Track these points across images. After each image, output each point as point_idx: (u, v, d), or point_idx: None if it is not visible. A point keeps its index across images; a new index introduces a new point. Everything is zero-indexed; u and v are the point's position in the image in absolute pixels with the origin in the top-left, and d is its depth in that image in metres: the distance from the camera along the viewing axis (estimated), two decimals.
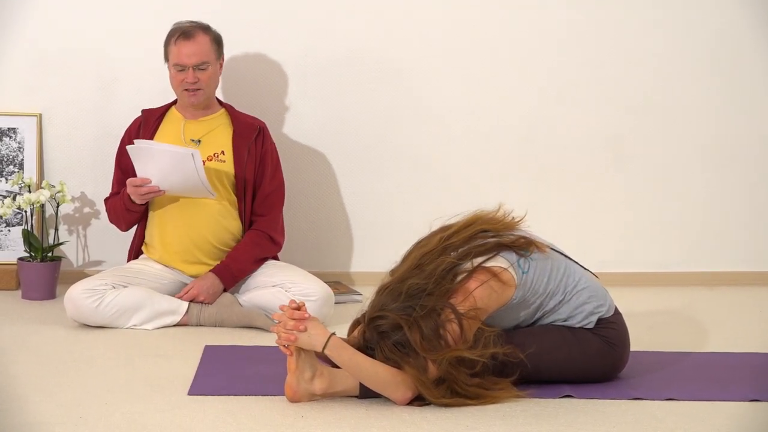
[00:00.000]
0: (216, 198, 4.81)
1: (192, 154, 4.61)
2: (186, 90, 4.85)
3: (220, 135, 4.92)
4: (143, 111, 5.01)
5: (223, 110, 4.99)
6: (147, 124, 4.94)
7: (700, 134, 5.69)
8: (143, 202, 4.81)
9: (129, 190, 4.75)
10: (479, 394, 3.65)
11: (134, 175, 4.81)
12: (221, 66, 4.96)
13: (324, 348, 3.58)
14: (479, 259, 3.70)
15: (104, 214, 5.09)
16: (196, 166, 4.62)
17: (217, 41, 4.92)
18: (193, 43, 4.82)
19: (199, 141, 4.89)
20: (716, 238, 5.76)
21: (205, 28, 4.88)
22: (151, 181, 4.69)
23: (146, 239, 4.95)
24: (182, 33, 4.83)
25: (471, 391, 3.64)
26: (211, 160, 4.86)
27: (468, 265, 3.69)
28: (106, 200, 5.00)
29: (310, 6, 5.49)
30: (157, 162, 4.65)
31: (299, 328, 3.58)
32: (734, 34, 5.63)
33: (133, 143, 4.71)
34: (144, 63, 5.40)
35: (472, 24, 5.56)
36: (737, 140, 5.71)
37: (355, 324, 3.82)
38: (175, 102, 5.00)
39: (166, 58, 4.90)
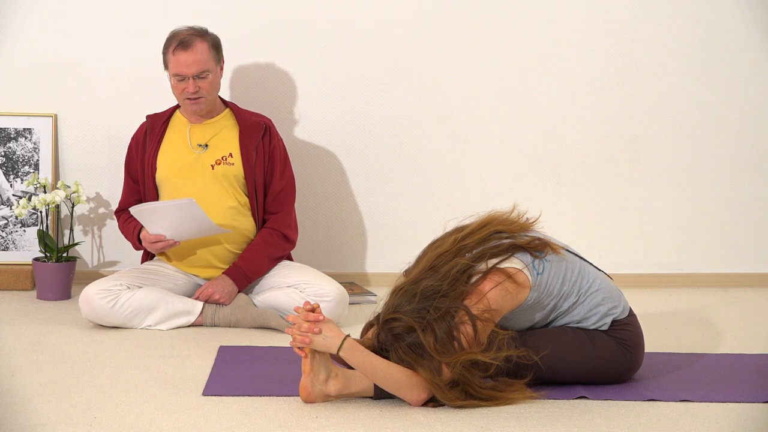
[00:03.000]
0: (227, 207, 4.83)
1: (193, 202, 4.62)
2: (188, 99, 4.83)
3: (226, 137, 4.91)
4: (148, 117, 4.99)
5: (227, 110, 4.97)
6: (153, 131, 4.93)
7: (716, 136, 5.68)
8: (159, 253, 4.86)
9: (144, 244, 4.78)
10: (493, 396, 3.65)
11: (143, 186, 4.88)
12: (222, 69, 4.91)
13: (339, 350, 3.58)
14: (494, 261, 3.70)
15: None
16: (202, 212, 4.65)
17: (216, 46, 4.85)
18: (192, 53, 4.76)
19: (206, 146, 4.89)
20: (731, 240, 5.75)
21: (203, 34, 4.81)
22: (165, 237, 4.72)
23: None
24: (180, 42, 4.77)
25: (485, 394, 3.64)
26: (219, 164, 4.86)
27: (482, 267, 3.68)
28: (118, 215, 5.00)
29: (325, 7, 5.49)
30: (165, 217, 4.66)
31: (314, 330, 3.59)
32: (755, 38, 5.61)
33: (137, 207, 4.73)
34: (158, 64, 5.40)
35: (487, 25, 5.55)
36: (753, 142, 5.69)
37: (369, 326, 3.82)
38: (179, 105, 4.99)
39: (166, 67, 4.85)
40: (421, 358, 3.57)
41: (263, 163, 4.90)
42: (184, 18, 5.19)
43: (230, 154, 4.88)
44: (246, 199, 4.90)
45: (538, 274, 3.74)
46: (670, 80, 5.64)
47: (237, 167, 4.87)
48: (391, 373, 3.60)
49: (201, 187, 4.83)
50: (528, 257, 3.75)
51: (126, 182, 4.99)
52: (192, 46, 4.77)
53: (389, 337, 3.62)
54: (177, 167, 4.86)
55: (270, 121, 4.99)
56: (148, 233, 4.74)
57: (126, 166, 5.00)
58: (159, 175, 4.88)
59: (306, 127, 5.55)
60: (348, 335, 3.60)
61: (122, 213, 4.97)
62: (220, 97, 4.98)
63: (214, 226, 4.70)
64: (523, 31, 5.57)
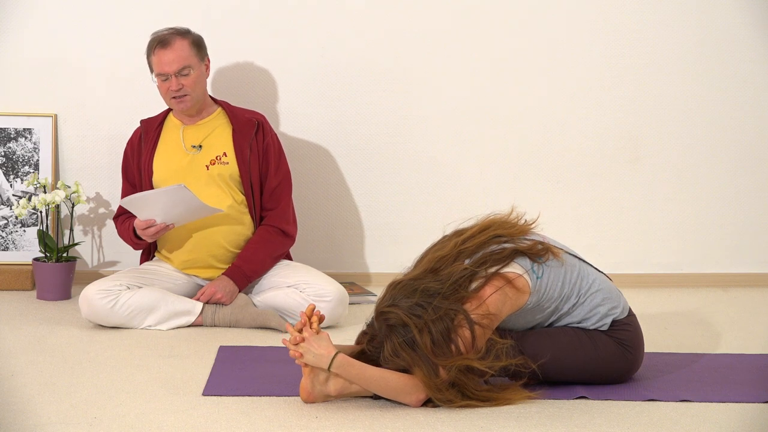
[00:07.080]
0: (225, 207, 4.81)
1: (182, 187, 4.61)
2: (173, 98, 4.83)
3: (220, 137, 4.90)
4: (142, 122, 4.99)
5: (219, 109, 4.97)
6: (147, 135, 4.93)
7: (716, 136, 5.68)
8: (154, 240, 4.83)
9: (138, 232, 4.77)
10: (490, 398, 3.65)
11: (141, 190, 4.85)
12: (207, 68, 4.91)
13: (329, 368, 3.59)
14: (495, 267, 3.69)
15: None
16: (191, 194, 4.63)
17: (197, 44, 4.85)
18: (171, 50, 4.78)
19: (200, 146, 4.88)
20: (730, 240, 5.75)
21: (183, 33, 4.83)
22: (156, 221, 4.70)
23: (158, 247, 4.96)
24: (159, 42, 4.79)
25: (482, 396, 3.64)
26: (214, 164, 4.85)
27: (483, 273, 3.68)
28: (116, 220, 4.98)
29: (324, 9, 5.49)
30: (155, 203, 4.66)
31: (296, 355, 3.60)
32: (755, 38, 5.61)
33: (128, 197, 4.73)
34: None
35: (487, 25, 5.55)
36: (753, 141, 5.69)
37: (363, 334, 3.80)
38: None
39: (151, 70, 4.85)
40: (416, 356, 3.56)
41: (258, 160, 4.89)
42: (185, 18, 5.19)
43: (224, 154, 4.87)
44: (243, 198, 4.89)
45: (537, 278, 3.73)
46: (670, 80, 5.64)
47: (232, 166, 4.86)
48: (386, 381, 3.60)
49: (197, 188, 4.81)
50: (527, 262, 3.74)
51: (124, 187, 4.99)
52: (171, 44, 4.78)
53: (384, 327, 3.61)
54: (173, 170, 4.85)
55: (263, 117, 4.97)
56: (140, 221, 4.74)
57: (123, 171, 5.00)
58: (156, 179, 4.87)
59: (306, 126, 5.55)
60: (338, 352, 3.60)
61: (119, 216, 4.97)
62: (211, 97, 4.98)
63: (205, 206, 4.68)
64: (523, 31, 5.57)
